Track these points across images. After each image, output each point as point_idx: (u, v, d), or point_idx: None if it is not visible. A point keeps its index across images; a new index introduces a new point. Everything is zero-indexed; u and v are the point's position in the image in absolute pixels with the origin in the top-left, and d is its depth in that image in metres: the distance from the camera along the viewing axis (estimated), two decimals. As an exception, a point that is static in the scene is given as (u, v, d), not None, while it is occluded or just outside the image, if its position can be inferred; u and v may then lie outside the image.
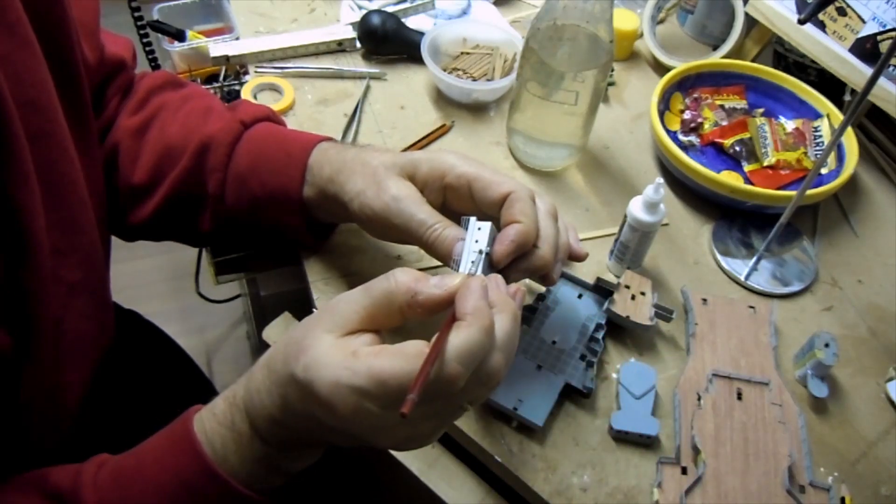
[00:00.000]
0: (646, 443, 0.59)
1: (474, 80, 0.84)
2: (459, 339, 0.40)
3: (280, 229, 0.63)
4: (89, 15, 0.58)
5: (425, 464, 0.59)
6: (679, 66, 0.85)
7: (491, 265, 0.51)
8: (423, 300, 0.42)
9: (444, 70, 0.84)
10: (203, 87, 0.78)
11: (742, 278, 0.71)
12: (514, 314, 0.44)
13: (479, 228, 0.51)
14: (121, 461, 0.47)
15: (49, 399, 0.51)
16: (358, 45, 0.90)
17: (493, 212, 0.53)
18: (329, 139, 0.63)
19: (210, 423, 0.46)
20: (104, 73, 0.64)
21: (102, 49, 0.62)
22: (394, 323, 0.44)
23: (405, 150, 0.79)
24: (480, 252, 0.50)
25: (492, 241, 0.51)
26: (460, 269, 0.50)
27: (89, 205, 0.54)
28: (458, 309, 0.41)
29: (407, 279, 0.43)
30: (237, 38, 0.89)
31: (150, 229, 0.65)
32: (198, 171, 0.61)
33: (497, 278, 0.46)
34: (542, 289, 0.66)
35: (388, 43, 0.88)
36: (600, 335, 0.62)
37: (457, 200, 0.56)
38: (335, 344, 0.41)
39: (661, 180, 0.63)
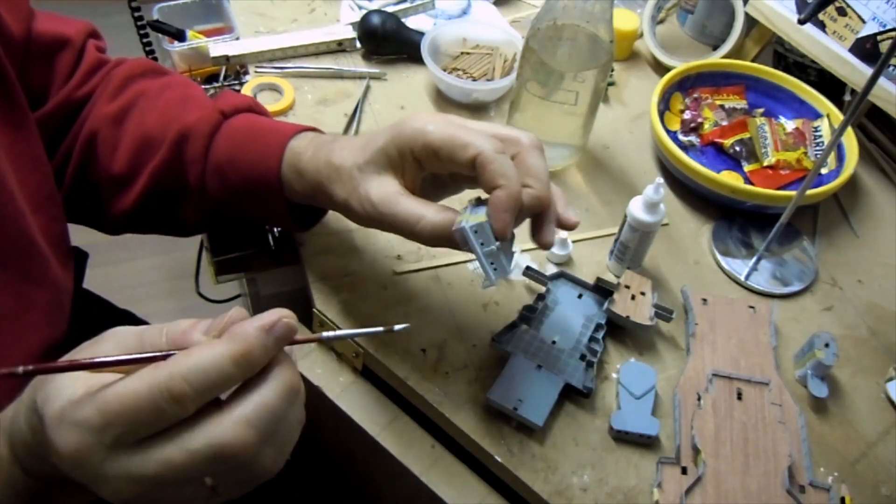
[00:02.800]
0: (646, 443, 0.59)
1: (474, 80, 0.84)
2: (198, 355, 0.33)
3: (265, 218, 0.62)
4: None
5: (425, 464, 0.59)
6: (679, 66, 0.85)
7: (497, 238, 0.49)
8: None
9: (444, 70, 0.84)
10: (182, 75, 0.75)
11: (742, 278, 0.71)
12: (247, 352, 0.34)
13: (476, 208, 0.51)
14: None
15: None
16: (358, 45, 0.90)
17: (468, 172, 0.51)
18: (306, 129, 0.61)
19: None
20: (39, 49, 0.60)
21: (30, 21, 0.58)
22: None
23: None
24: (479, 230, 0.48)
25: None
26: (483, 262, 0.49)
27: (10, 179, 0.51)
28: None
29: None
30: (237, 38, 0.89)
31: (134, 220, 0.64)
32: (177, 163, 0.60)
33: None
34: (542, 289, 0.66)
35: (388, 43, 0.88)
36: (600, 335, 0.62)
37: (432, 166, 0.53)
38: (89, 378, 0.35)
39: (661, 180, 0.63)
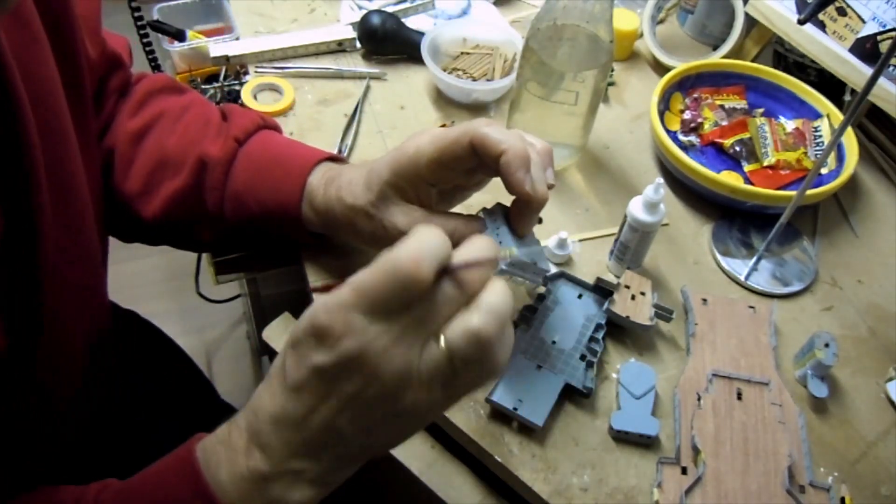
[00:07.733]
0: (646, 443, 0.59)
1: (474, 80, 0.84)
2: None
3: (280, 237, 0.65)
4: (91, 10, 0.59)
5: (425, 464, 0.59)
6: (679, 66, 0.85)
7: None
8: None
9: (444, 70, 0.84)
10: (199, 94, 0.78)
11: (742, 278, 0.71)
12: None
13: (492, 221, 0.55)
14: (125, 483, 0.46)
15: (42, 393, 0.51)
16: (358, 45, 0.90)
17: (471, 163, 0.53)
18: (322, 159, 0.62)
19: (210, 441, 0.44)
20: (104, 68, 0.64)
21: (104, 44, 0.62)
22: None
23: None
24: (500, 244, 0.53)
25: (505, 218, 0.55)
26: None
27: (90, 204, 0.54)
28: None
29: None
30: (237, 38, 0.89)
31: (149, 234, 0.66)
32: (197, 189, 0.62)
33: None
34: (542, 289, 0.66)
35: (388, 43, 0.88)
36: (600, 335, 0.62)
37: (442, 178, 0.55)
38: None
39: (661, 180, 0.63)
